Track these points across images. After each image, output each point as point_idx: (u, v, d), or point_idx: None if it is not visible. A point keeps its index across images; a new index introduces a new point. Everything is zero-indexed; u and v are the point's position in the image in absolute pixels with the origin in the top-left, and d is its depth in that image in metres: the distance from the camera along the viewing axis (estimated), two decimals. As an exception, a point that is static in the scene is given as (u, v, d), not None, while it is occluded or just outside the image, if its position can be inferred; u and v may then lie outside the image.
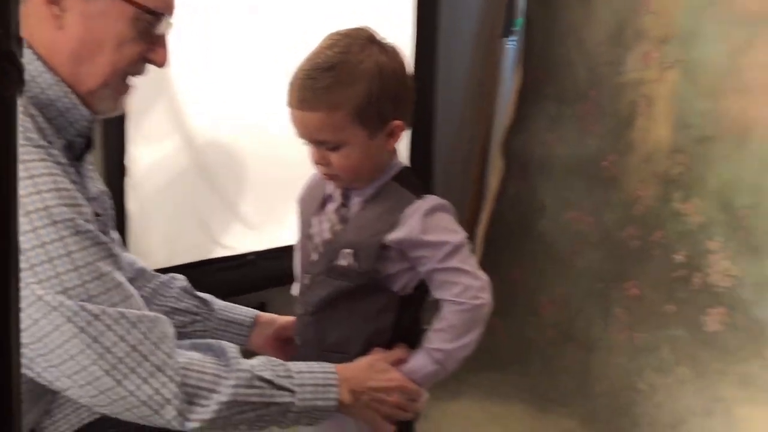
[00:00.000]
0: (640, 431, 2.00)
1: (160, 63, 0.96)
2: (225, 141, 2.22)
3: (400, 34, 2.39)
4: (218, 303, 1.24)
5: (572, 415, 2.14)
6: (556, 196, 2.69)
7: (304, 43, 2.44)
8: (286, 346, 1.18)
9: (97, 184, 1.06)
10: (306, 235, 1.06)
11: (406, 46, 2.49)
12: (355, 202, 1.02)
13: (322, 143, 0.96)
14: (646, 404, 2.06)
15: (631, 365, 2.19)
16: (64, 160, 0.88)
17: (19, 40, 0.38)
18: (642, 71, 2.44)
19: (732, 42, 2.15)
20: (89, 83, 0.90)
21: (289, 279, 2.43)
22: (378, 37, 0.99)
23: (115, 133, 1.93)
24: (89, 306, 0.80)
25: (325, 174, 1.01)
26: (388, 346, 1.03)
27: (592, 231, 2.50)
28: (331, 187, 1.06)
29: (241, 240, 2.31)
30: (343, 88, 0.92)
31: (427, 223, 0.96)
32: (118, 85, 0.94)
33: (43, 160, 0.82)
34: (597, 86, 2.61)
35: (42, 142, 0.84)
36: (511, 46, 3.41)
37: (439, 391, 1.08)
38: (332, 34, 0.99)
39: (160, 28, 0.93)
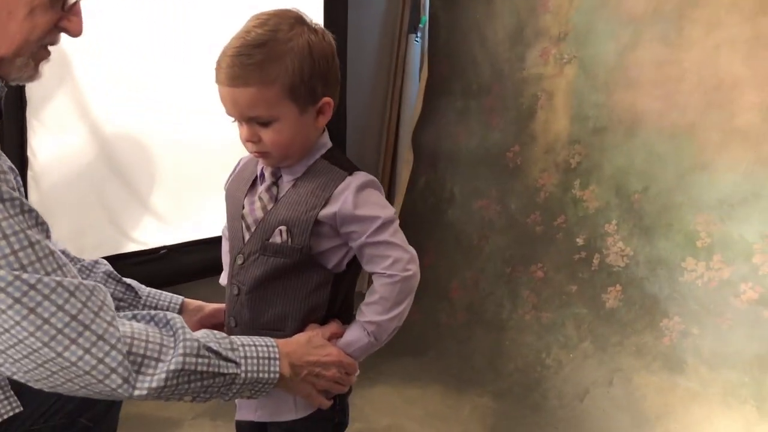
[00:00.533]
0: (549, 404, 2.13)
1: (75, 32, 0.92)
2: (133, 131, 2.15)
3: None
4: (144, 289, 1.21)
5: (486, 393, 2.24)
6: (465, 185, 2.79)
7: (212, 35, 2.42)
8: None
9: (4, 160, 1.01)
10: (237, 216, 1.06)
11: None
12: (286, 180, 1.03)
13: (253, 119, 0.96)
14: (554, 379, 2.20)
15: (539, 343, 2.32)
16: None
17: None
18: (542, 67, 2.58)
19: (620, 40, 2.33)
20: (1, 52, 0.86)
21: (203, 273, 2.39)
22: (306, 18, 1.00)
23: (14, 122, 1.82)
24: (24, 275, 0.76)
25: (255, 152, 1.00)
26: (323, 322, 1.05)
27: (499, 218, 2.62)
28: (260, 168, 1.06)
29: (152, 234, 2.25)
30: (274, 64, 0.93)
31: (359, 199, 0.97)
32: (34, 53, 0.90)
33: None
34: (500, 81, 2.74)
35: None
36: (417, 43, 3.50)
37: (357, 378, 1.11)
38: (260, 14, 0.99)
39: None
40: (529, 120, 2.61)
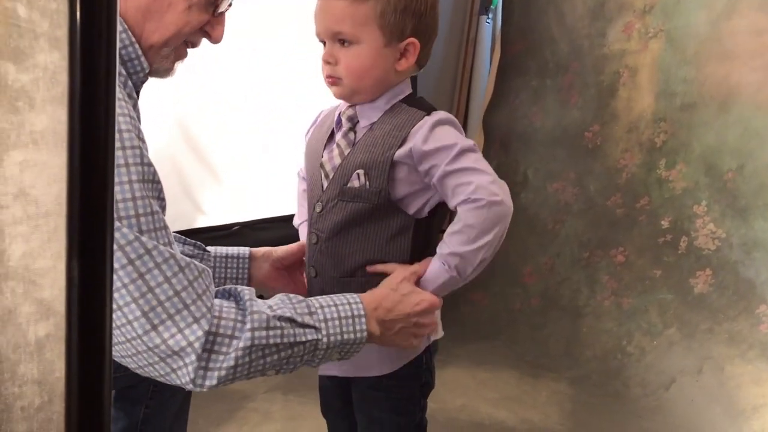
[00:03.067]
0: (631, 392, 2.02)
1: (217, 38, 0.95)
2: (210, 109, 2.16)
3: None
4: (209, 247, 1.19)
5: (562, 379, 2.15)
6: (539, 167, 2.70)
7: (281, 26, 2.40)
8: (289, 276, 1.14)
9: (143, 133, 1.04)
10: (316, 165, 1.02)
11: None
12: (363, 125, 0.99)
13: (337, 35, 0.93)
14: (637, 366, 2.09)
15: (619, 330, 2.21)
16: (133, 97, 0.86)
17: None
18: (624, 42, 2.46)
19: (713, 9, 2.19)
20: (153, 38, 0.88)
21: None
22: None
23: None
24: (144, 238, 0.75)
25: (329, 77, 0.96)
26: None
27: (576, 201, 2.52)
28: (337, 114, 1.03)
29: (226, 210, 2.25)
30: None
31: (434, 135, 0.91)
32: (178, 48, 0.93)
33: (117, 86, 0.80)
34: (579, 59, 2.63)
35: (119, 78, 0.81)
36: (488, 24, 3.42)
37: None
38: None
39: (223, 5, 0.94)
40: (610, 98, 2.49)
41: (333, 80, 0.96)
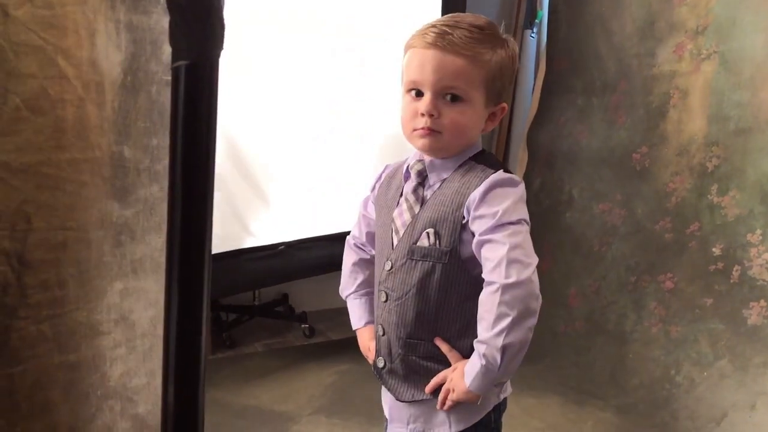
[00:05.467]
0: (680, 425, 1.98)
1: None
2: (256, 131, 2.19)
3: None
4: None
5: (608, 407, 2.12)
6: (585, 187, 2.66)
7: (334, 47, 2.40)
8: None
9: None
10: (388, 222, 1.03)
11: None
12: (433, 181, 0.99)
13: (447, 90, 0.93)
14: (686, 398, 2.05)
15: (667, 358, 2.17)
16: None
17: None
18: (675, 63, 2.41)
19: (771, 33, 2.13)
20: None
21: (319, 269, 2.40)
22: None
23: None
24: None
25: (425, 127, 0.94)
26: None
27: (624, 223, 2.48)
28: (406, 167, 1.03)
29: (271, 230, 2.28)
30: (489, 49, 0.93)
31: (486, 199, 0.91)
32: None
33: None
34: (627, 78, 2.58)
35: None
36: (532, 38, 3.38)
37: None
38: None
39: None
40: (660, 119, 2.45)
41: (430, 132, 0.95)
